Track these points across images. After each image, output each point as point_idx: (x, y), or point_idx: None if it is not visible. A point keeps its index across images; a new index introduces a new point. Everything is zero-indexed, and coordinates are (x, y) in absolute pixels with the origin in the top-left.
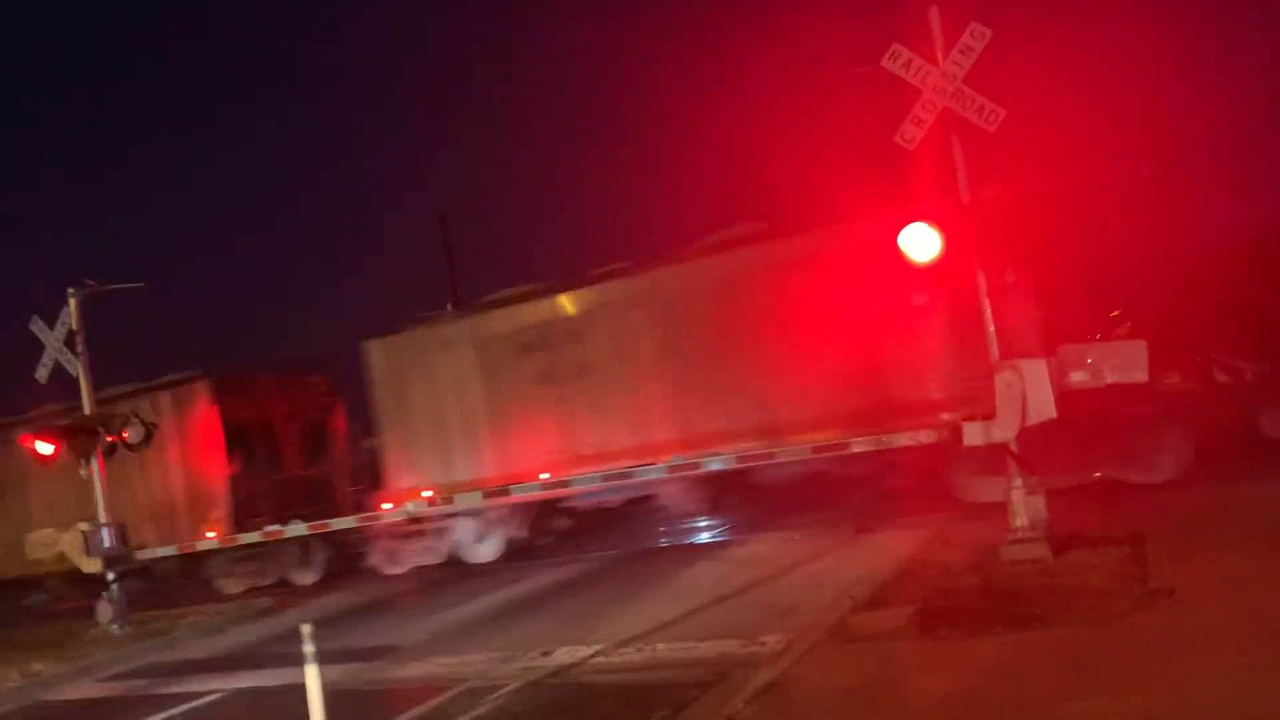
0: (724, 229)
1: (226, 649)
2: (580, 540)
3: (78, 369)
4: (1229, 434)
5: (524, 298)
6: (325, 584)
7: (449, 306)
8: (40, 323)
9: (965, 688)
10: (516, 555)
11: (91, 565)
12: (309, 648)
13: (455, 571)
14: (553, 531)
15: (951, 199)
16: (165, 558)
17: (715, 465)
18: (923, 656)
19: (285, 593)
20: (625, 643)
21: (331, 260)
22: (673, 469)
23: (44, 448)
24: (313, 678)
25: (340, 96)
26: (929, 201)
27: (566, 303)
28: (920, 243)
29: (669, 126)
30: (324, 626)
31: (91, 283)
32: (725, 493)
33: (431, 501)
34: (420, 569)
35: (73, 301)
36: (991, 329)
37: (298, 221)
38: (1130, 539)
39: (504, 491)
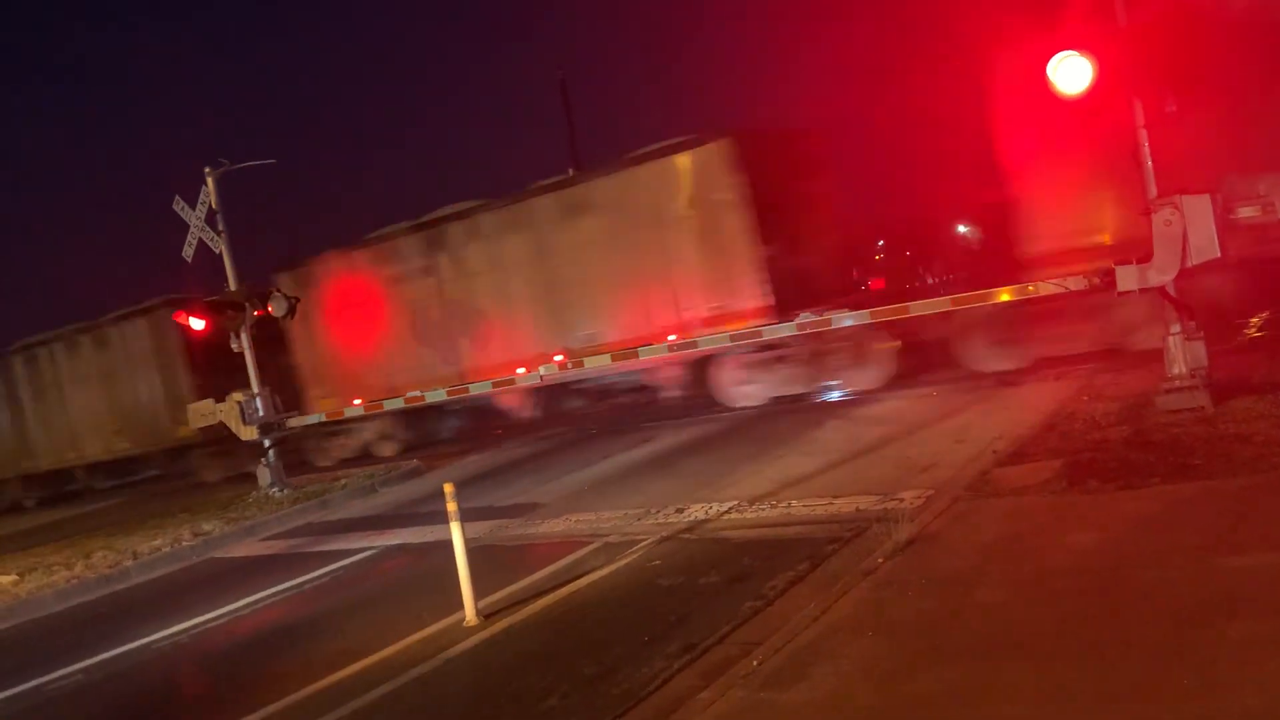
0: None
1: (377, 509)
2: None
3: (219, 246)
4: None
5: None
6: (462, 446)
7: (570, 171)
8: (182, 202)
9: (1117, 540)
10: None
11: (249, 433)
12: (453, 505)
13: (587, 433)
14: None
15: (1107, 22)
16: (312, 424)
17: (848, 322)
18: (1071, 510)
19: (429, 455)
20: (759, 499)
21: (450, 124)
22: (801, 326)
23: (196, 323)
24: (458, 535)
25: None
26: (1080, 27)
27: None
28: (1071, 72)
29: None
30: (465, 486)
31: (225, 161)
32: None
33: (561, 366)
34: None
35: (210, 180)
36: (1149, 164)
37: (414, 89)
38: None
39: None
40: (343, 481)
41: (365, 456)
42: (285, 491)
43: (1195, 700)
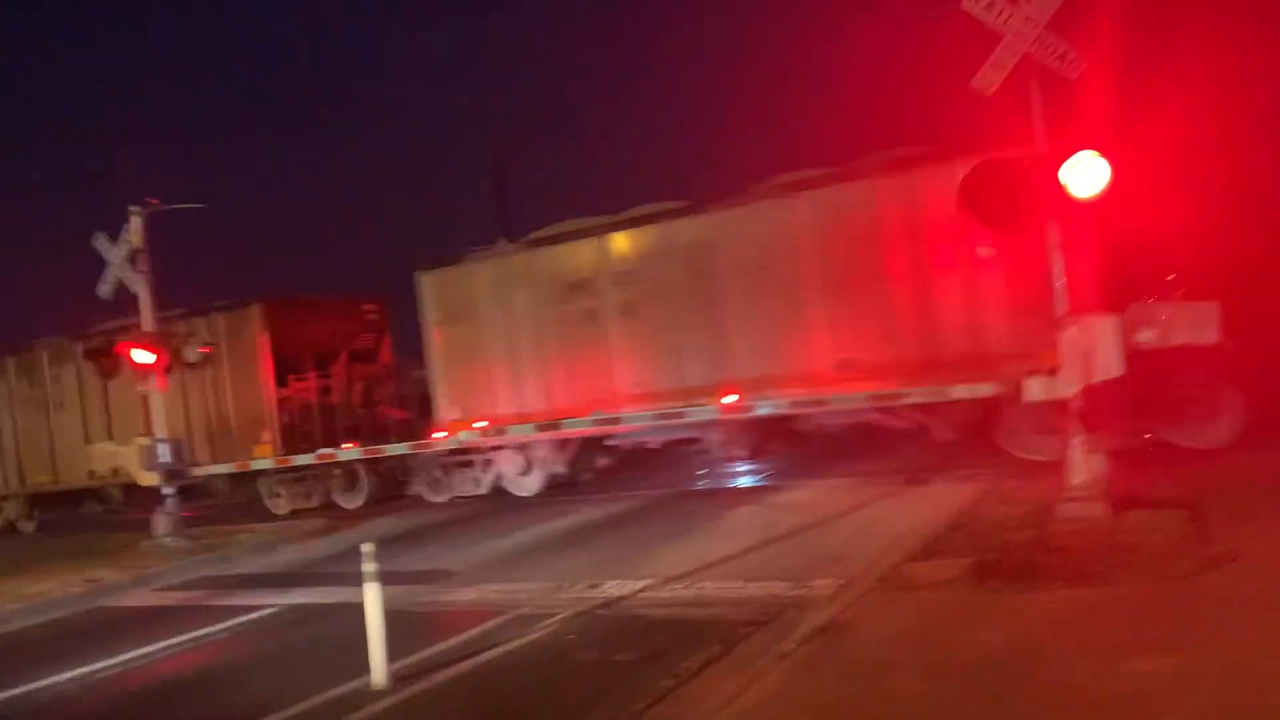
0: (783, 174)
1: (279, 566)
2: (620, 479)
3: (140, 287)
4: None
5: (577, 234)
6: (370, 509)
7: (501, 240)
8: (104, 239)
9: (1023, 639)
10: (557, 490)
11: (149, 479)
12: (370, 566)
13: (498, 504)
14: (593, 469)
15: (1028, 148)
16: (219, 475)
17: (766, 410)
18: (978, 608)
19: (333, 516)
20: (674, 579)
21: (386, 193)
22: (725, 409)
23: (141, 356)
24: (373, 595)
25: (397, 34)
26: (1003, 150)
27: (619, 242)
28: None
29: (725, 68)
30: (381, 548)
31: (154, 202)
32: (770, 438)
33: (485, 431)
34: (460, 499)
35: (136, 219)
36: (1061, 282)
37: (350, 157)
38: (1190, 502)
39: (555, 426)
40: (242, 536)
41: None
42: (182, 542)
43: None
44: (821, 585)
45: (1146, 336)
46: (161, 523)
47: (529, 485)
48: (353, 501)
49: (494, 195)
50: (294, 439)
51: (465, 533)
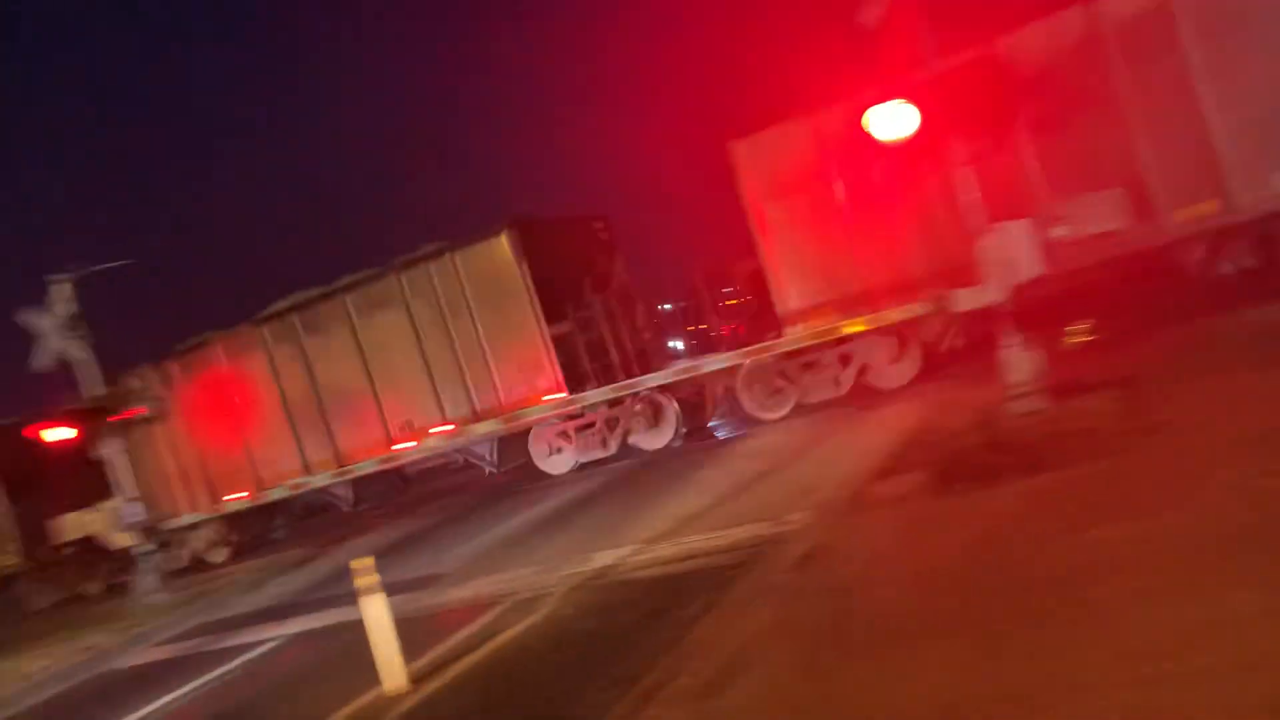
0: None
1: (270, 601)
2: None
3: (81, 352)
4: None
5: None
6: (352, 529)
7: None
8: (30, 313)
9: (987, 533)
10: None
11: (125, 539)
12: (370, 579)
13: (476, 500)
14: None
15: (919, 72)
16: (194, 524)
17: (716, 365)
18: (942, 512)
19: (311, 545)
20: (659, 539)
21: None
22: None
23: (59, 434)
24: (379, 604)
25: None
26: (895, 78)
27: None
28: (893, 120)
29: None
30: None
31: (78, 266)
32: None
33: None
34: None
35: (67, 285)
36: (973, 195)
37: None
38: (1124, 381)
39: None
40: (227, 578)
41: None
42: (168, 597)
43: (1070, 652)
44: (797, 518)
45: (1062, 230)
46: (145, 580)
47: (903, 372)
48: (657, 440)
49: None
50: (575, 379)
51: (446, 536)
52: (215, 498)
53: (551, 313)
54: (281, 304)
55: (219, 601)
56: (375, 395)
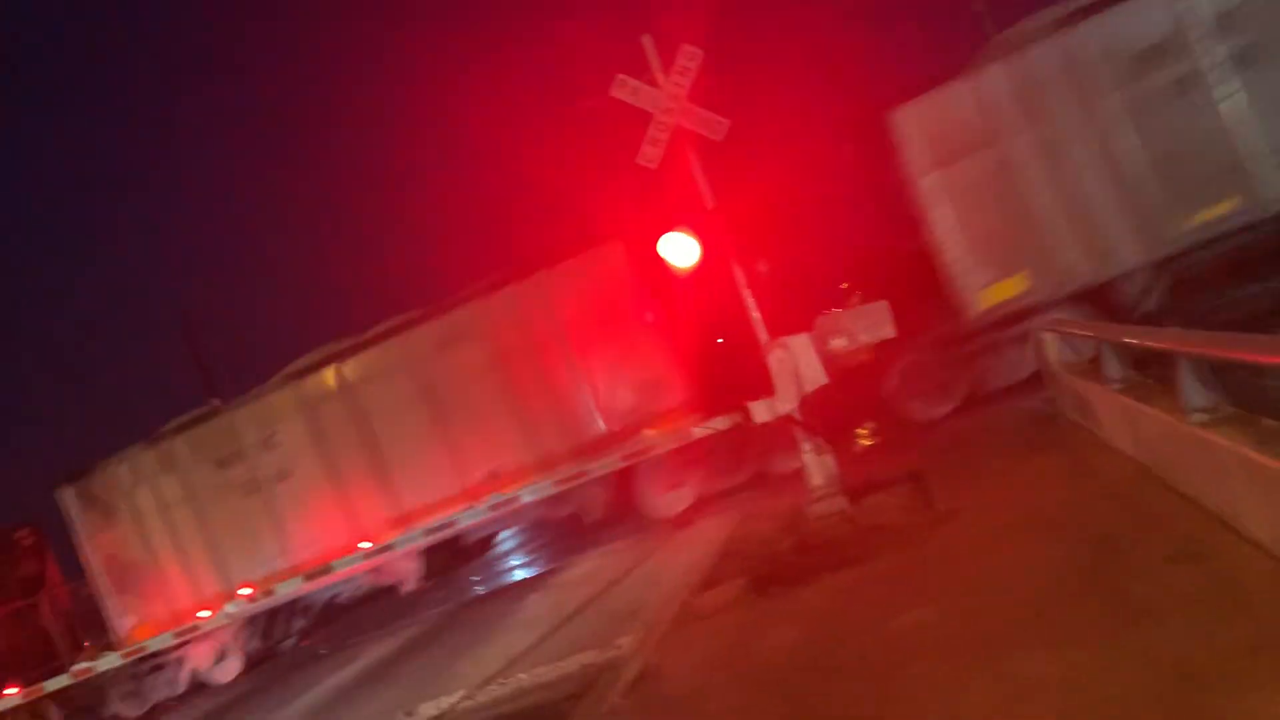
0: (400, 313)
1: None
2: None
3: None
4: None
5: (209, 416)
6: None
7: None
8: None
9: (808, 630)
10: (260, 664)
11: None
12: None
13: (279, 670)
14: (294, 633)
15: (700, 207)
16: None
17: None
18: (764, 615)
19: None
20: (487, 682)
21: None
22: (429, 533)
23: None
24: None
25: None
26: (680, 213)
27: (251, 414)
28: (680, 249)
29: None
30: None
31: None
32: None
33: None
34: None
35: None
36: (756, 315)
37: None
38: (913, 476)
39: (326, 570)
40: None
41: None
42: None
43: None
44: (625, 641)
45: (839, 343)
46: None
47: (229, 670)
48: None
49: (192, 355)
50: None
51: (256, 708)
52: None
53: None
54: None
55: None
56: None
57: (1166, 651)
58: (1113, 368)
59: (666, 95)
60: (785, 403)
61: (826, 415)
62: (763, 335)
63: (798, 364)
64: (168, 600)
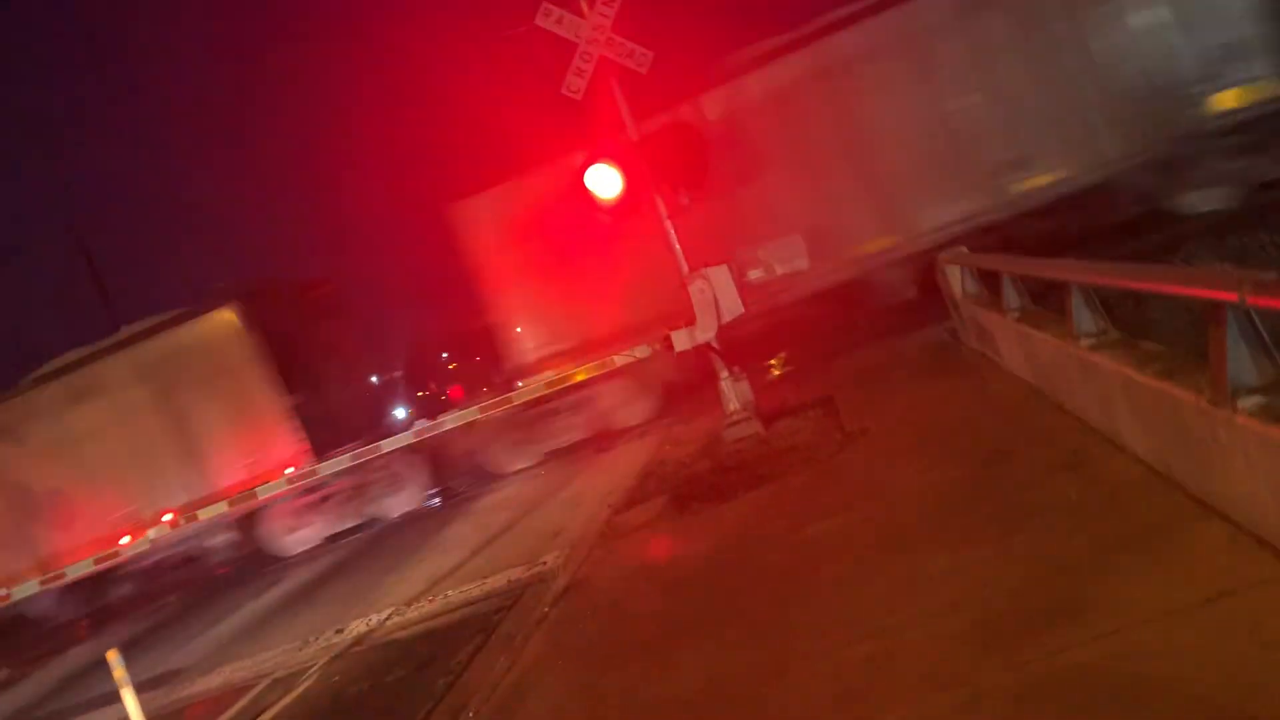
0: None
1: None
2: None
3: None
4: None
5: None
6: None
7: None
8: None
9: (723, 542)
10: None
11: None
12: (119, 671)
13: (201, 594)
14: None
15: (623, 138)
16: None
17: (455, 422)
18: (684, 531)
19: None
20: (415, 599)
21: None
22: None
23: None
24: (129, 699)
25: None
26: (604, 143)
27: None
28: (604, 181)
29: (326, 123)
30: (88, 676)
31: None
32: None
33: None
34: None
35: None
36: (677, 246)
37: None
38: (823, 401)
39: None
40: None
41: None
42: None
43: (808, 625)
44: (551, 557)
45: (755, 274)
46: None
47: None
48: (404, 505)
49: (94, 286)
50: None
51: (177, 632)
52: None
53: (286, 383)
54: None
55: None
56: (92, 488)
57: (1048, 547)
58: (1011, 297)
59: (591, 25)
60: (705, 331)
61: (741, 344)
62: (684, 266)
63: (717, 294)
64: (85, 529)
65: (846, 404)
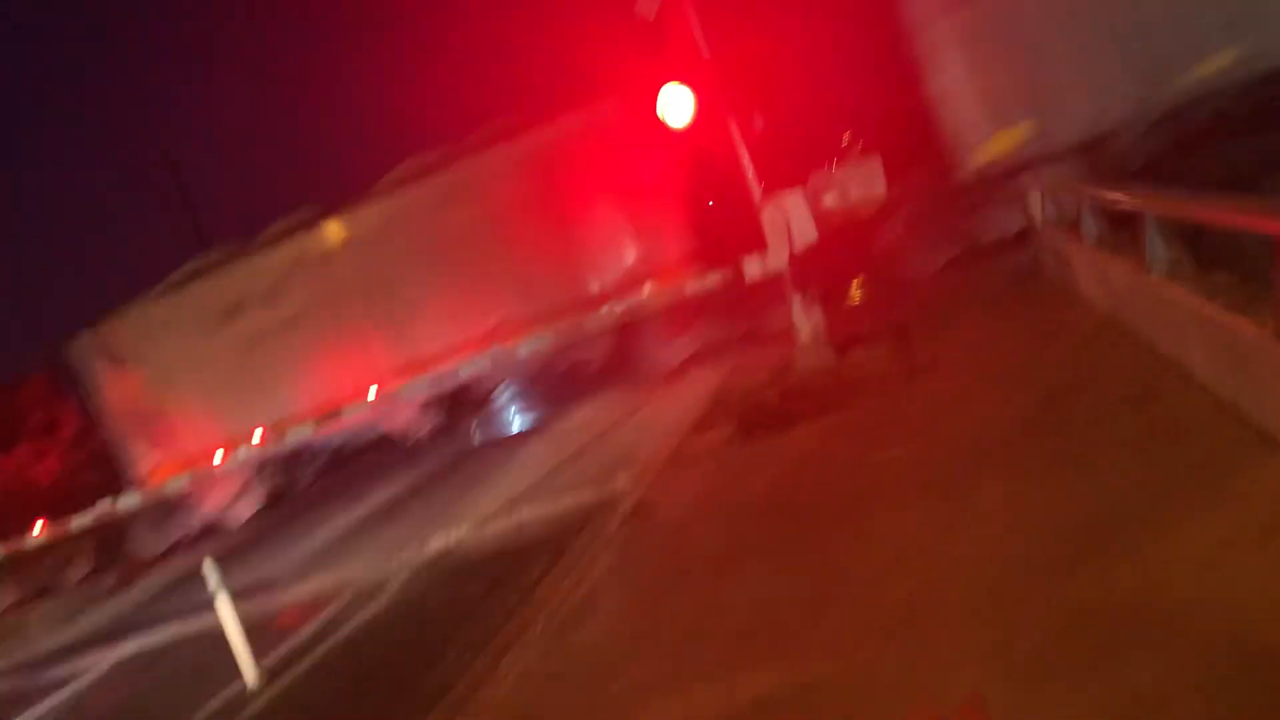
0: (397, 164)
1: (86, 631)
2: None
3: None
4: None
5: (217, 267)
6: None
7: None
8: None
9: (788, 468)
10: (277, 505)
11: None
12: (214, 579)
13: (281, 515)
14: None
15: (699, 61)
16: None
17: (528, 349)
18: (751, 456)
19: (119, 572)
20: (491, 517)
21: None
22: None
23: None
24: (224, 604)
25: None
26: (678, 67)
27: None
28: (677, 105)
29: (403, 43)
30: (186, 584)
31: None
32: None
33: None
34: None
35: None
36: (751, 171)
37: None
38: (896, 330)
39: (335, 415)
40: (34, 615)
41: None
42: None
43: (862, 550)
44: (621, 481)
45: (830, 199)
46: None
47: (243, 511)
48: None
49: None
50: None
51: (267, 547)
52: None
53: None
54: None
55: (31, 638)
56: None
57: (1108, 482)
58: (1089, 226)
59: None
60: (776, 259)
61: (816, 272)
62: (756, 192)
63: (790, 221)
64: (184, 445)
65: (921, 333)
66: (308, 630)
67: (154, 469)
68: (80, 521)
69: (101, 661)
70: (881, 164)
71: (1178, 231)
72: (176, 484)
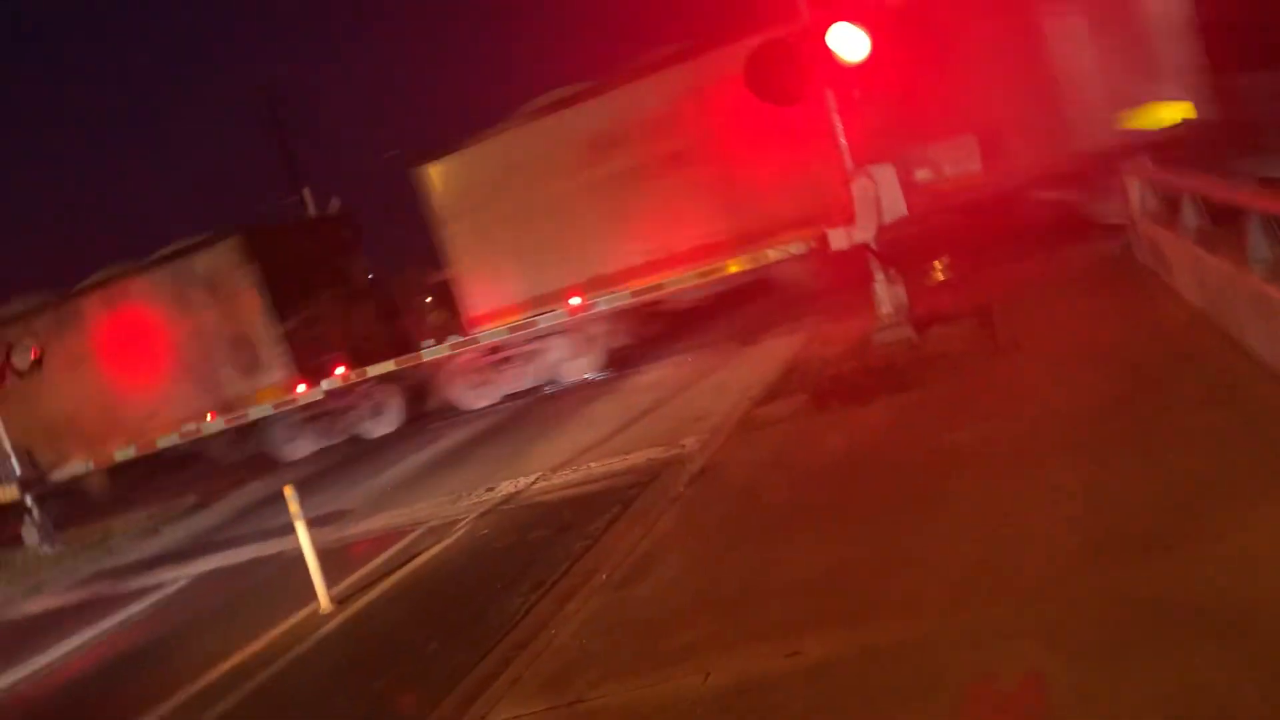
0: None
1: (169, 545)
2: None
3: None
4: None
5: (592, 93)
6: (246, 475)
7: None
8: None
9: (860, 440)
10: (615, 365)
11: (7, 494)
12: (294, 506)
13: (358, 450)
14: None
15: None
16: (85, 474)
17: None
18: (821, 427)
19: (205, 488)
20: (559, 467)
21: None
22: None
23: None
24: (301, 530)
25: None
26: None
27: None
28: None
29: None
30: (262, 507)
31: None
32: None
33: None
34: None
35: None
36: (843, 141)
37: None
38: (979, 310)
39: (657, 288)
40: (119, 527)
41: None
42: (58, 547)
43: (928, 525)
44: (690, 441)
45: (923, 174)
46: (31, 533)
47: (583, 367)
48: (381, 429)
49: (278, 136)
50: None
51: (342, 479)
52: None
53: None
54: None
55: (116, 549)
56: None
57: (1181, 475)
58: (1189, 216)
59: None
60: (864, 231)
61: (903, 246)
62: (848, 162)
63: (880, 193)
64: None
65: (1004, 314)
66: (380, 559)
67: (478, 315)
68: (380, 368)
69: (176, 576)
70: (978, 142)
71: None
72: (493, 334)
